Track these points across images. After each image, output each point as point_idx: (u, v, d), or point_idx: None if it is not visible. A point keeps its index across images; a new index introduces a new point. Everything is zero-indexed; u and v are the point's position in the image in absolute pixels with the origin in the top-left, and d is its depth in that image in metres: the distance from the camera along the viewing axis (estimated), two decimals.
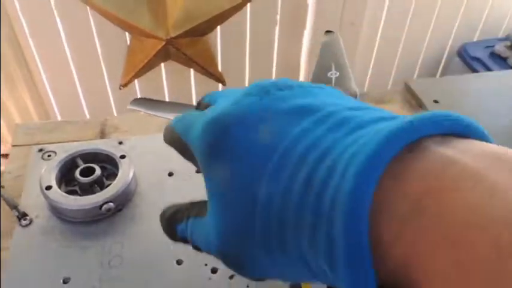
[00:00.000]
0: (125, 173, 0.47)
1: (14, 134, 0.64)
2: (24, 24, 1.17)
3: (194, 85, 1.45)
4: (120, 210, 0.47)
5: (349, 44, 1.46)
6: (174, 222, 0.27)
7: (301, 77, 1.55)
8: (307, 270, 0.20)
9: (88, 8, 1.19)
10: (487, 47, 1.56)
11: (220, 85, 1.42)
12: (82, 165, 0.48)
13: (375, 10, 1.45)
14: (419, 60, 1.67)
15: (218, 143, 0.21)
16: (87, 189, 0.47)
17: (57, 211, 0.46)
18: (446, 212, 0.15)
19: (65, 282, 0.41)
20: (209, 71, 1.36)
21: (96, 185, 0.47)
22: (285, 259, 0.20)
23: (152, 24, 1.24)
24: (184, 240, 0.26)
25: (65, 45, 1.25)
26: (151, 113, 0.40)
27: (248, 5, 1.29)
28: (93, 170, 0.47)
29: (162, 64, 1.37)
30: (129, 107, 0.40)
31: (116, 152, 0.49)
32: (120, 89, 1.34)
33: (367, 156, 0.17)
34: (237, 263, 0.22)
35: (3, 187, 0.50)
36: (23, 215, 0.46)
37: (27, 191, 0.49)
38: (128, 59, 1.31)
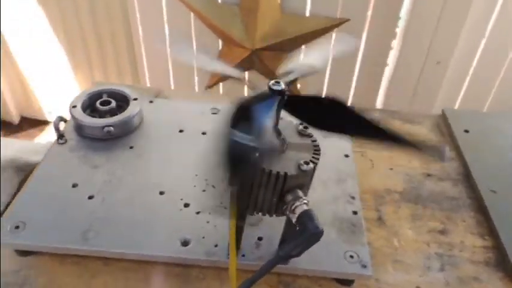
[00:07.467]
0: (131, 109, 0.59)
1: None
2: (138, 15, 1.38)
3: None
4: (120, 137, 0.58)
5: (432, 84, 1.44)
6: None
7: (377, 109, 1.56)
8: None
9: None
10: None
11: None
12: (104, 98, 0.60)
13: (466, 48, 1.39)
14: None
15: None
16: (103, 117, 0.59)
17: (77, 127, 0.58)
18: None
19: (73, 186, 0.52)
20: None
21: (109, 115, 0.59)
22: None
23: (242, 34, 1.36)
24: None
25: (166, 36, 1.42)
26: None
27: (335, 30, 1.36)
28: (110, 103, 0.59)
29: (246, 73, 1.49)
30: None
31: (132, 95, 0.61)
32: (205, 89, 1.49)
33: None
34: None
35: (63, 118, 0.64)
36: (61, 136, 0.58)
37: (71, 122, 0.61)
38: None
